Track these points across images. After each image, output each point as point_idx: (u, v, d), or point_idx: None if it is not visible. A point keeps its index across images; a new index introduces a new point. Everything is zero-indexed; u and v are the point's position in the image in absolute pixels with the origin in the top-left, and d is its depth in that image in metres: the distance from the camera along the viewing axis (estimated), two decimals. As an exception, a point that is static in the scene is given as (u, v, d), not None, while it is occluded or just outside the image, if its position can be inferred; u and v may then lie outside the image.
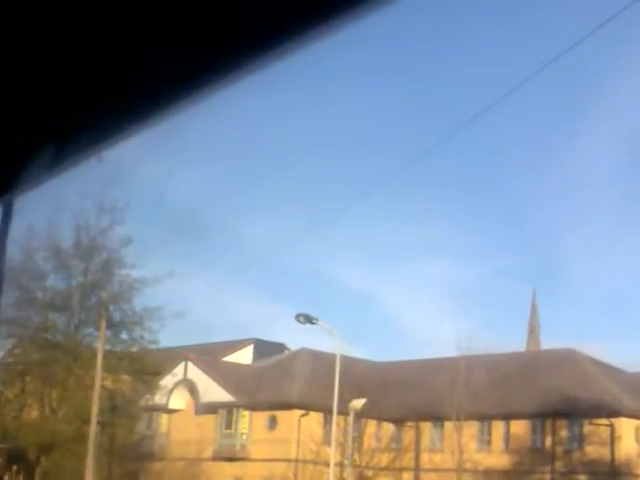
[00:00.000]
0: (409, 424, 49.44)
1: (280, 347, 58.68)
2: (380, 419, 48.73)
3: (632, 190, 75.98)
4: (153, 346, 42.68)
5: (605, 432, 43.86)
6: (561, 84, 68.22)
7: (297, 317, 34.48)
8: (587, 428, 44.61)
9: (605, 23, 11.43)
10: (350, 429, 41.15)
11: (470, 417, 45.67)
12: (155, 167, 49.55)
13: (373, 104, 72.51)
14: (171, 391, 50.47)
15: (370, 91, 71.53)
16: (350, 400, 39.45)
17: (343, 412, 39.43)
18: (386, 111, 73.21)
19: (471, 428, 46.78)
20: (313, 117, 69.88)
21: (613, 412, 43.44)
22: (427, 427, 49.23)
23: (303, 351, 52.90)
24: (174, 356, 50.55)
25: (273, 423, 48.50)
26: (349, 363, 41.50)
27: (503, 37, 69.64)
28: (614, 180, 76.30)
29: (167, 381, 48.55)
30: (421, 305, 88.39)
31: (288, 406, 47.31)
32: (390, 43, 65.58)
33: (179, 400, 51.88)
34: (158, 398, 47.54)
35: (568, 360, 48.89)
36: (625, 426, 43.96)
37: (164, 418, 52.02)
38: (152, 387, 45.07)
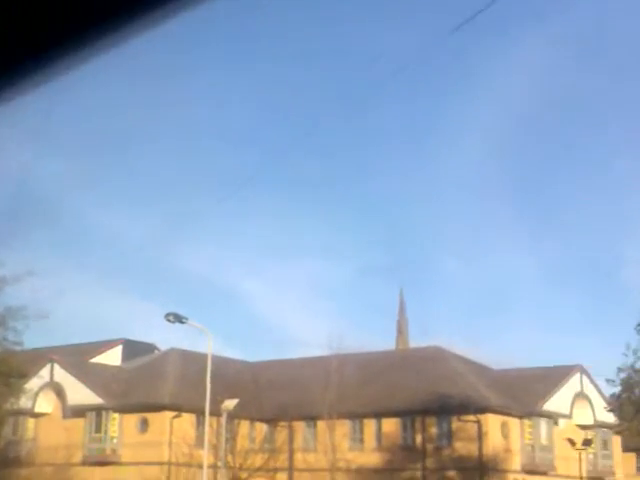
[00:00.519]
0: (282, 424, 49.40)
1: (150, 347, 57.72)
2: (253, 419, 48.51)
3: (497, 192, 78.19)
4: (17, 347, 41.29)
5: (473, 428, 44.88)
6: (424, 87, 69.51)
7: (166, 316, 33.90)
8: (456, 425, 45.54)
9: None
10: (223, 430, 40.77)
11: (342, 416, 45.99)
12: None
13: (242, 97, 72.30)
14: (37, 394, 48.91)
15: (233, 83, 71.24)
16: (222, 401, 39.08)
17: (216, 413, 39.01)
18: (258, 106, 73.03)
19: (343, 427, 47.11)
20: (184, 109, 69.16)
21: (480, 409, 44.49)
22: (300, 427, 49.30)
23: (173, 351, 52.16)
24: (40, 358, 49.05)
25: (144, 425, 47.57)
26: (221, 363, 41.14)
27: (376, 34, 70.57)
28: (479, 182, 78.37)
29: (33, 384, 47.03)
30: (294, 304, 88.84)
31: (159, 408, 46.53)
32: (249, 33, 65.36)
33: (46, 403, 50.33)
34: (24, 402, 46.05)
35: (436, 358, 49.86)
36: (492, 422, 45.09)
37: (30, 422, 50.35)
38: (17, 390, 43.62)
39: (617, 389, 28.51)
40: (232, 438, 45.67)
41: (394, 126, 77.56)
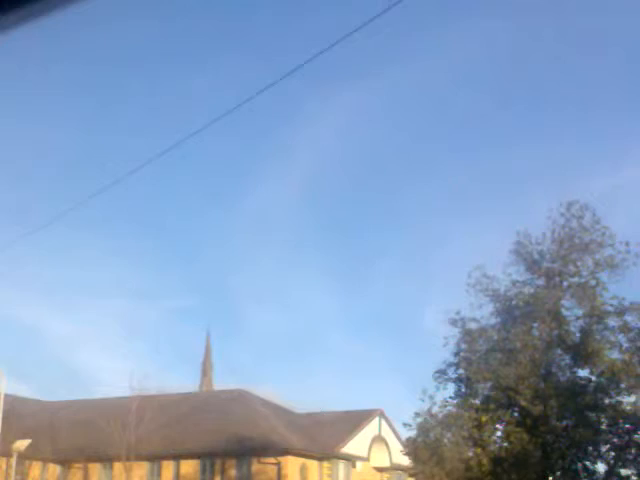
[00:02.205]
0: (77, 465, 47.68)
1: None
2: (46, 460, 46.57)
3: (310, 239, 79.51)
4: None
5: (273, 470, 44.92)
6: (245, 129, 70.07)
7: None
8: (255, 467, 45.43)
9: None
10: (12, 471, 38.94)
11: (140, 457, 44.95)
12: None
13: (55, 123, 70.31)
14: None
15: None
16: (14, 441, 37.39)
17: (6, 454, 37.27)
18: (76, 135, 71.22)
19: (141, 469, 46.02)
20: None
21: (280, 451, 44.64)
22: (96, 468, 47.73)
23: (-37, 389, 49.44)
24: None
25: None
26: (16, 402, 39.41)
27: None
28: (293, 226, 79.39)
29: None
30: (97, 344, 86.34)
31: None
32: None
33: None
34: None
35: (239, 400, 49.74)
36: (291, 464, 45.31)
37: None
38: None
39: (413, 433, 29.39)
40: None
41: (216, 168, 77.52)
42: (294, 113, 74.22)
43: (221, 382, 67.04)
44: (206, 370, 70.58)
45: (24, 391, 52.70)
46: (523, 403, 27.36)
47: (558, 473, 27.98)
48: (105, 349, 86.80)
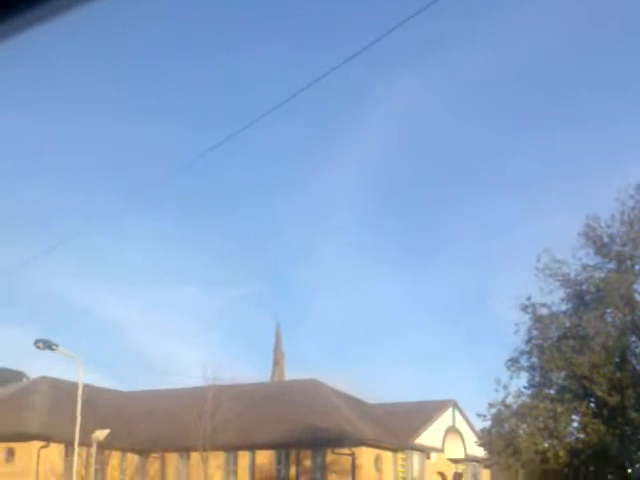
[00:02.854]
0: (154, 455, 48.51)
1: (18, 375, 55.95)
2: (125, 450, 47.49)
3: (375, 226, 79.32)
4: None
5: (347, 461, 45.02)
6: (303, 118, 70.31)
7: (36, 343, 32.99)
8: (330, 457, 45.61)
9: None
10: (92, 461, 39.80)
11: (216, 447, 45.50)
12: None
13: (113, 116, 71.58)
14: None
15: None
16: (93, 431, 38.20)
17: (86, 443, 38.10)
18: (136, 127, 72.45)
19: (217, 459, 46.59)
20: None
21: (354, 442, 44.70)
22: (173, 458, 48.49)
23: (43, 379, 50.67)
24: None
25: (10, 455, 45.93)
26: (94, 392, 40.23)
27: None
28: (356, 214, 79.32)
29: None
30: (170, 333, 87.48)
31: (26, 437, 45.02)
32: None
33: None
34: None
35: (312, 390, 49.95)
36: (365, 455, 45.36)
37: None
38: None
39: (487, 424, 29.12)
40: (102, 469, 44.63)
41: (277, 157, 77.86)
42: (353, 99, 73.96)
43: (292, 372, 67.43)
44: (277, 359, 70.93)
45: (101, 381, 53.88)
46: (599, 393, 26.93)
47: (637, 465, 27.49)
48: (178, 338, 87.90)
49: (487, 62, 65.24)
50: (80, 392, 34.54)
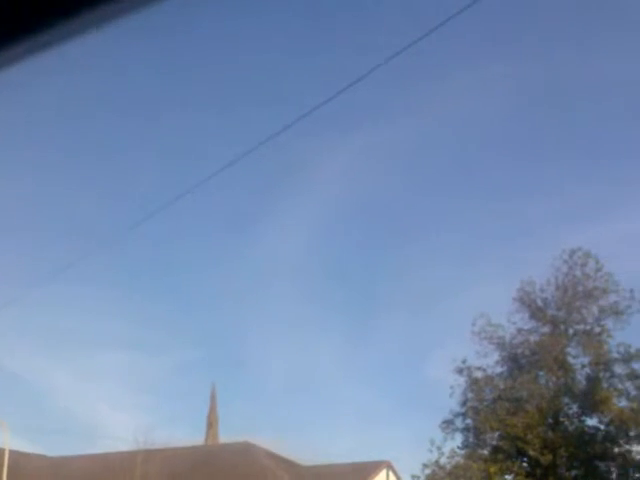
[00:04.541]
0: (81, 522, 47.18)
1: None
2: (50, 517, 46.12)
3: (314, 288, 79.26)
4: None
5: (279, 525, 44.39)
6: (245, 183, 70.39)
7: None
8: (262, 521, 44.92)
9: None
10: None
11: (145, 513, 44.45)
12: None
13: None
14: None
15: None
16: (19, 498, 37.09)
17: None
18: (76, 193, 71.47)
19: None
20: None
21: (286, 505, 44.14)
22: (101, 525, 47.20)
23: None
24: None
25: None
26: (20, 458, 39.12)
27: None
28: (297, 277, 79.25)
29: None
30: (101, 398, 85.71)
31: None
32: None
33: None
34: None
35: (245, 453, 49.29)
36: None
37: None
38: None
39: (422, 484, 29.24)
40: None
41: (218, 221, 77.63)
42: (300, 162, 74.45)
43: (227, 434, 66.57)
44: (212, 422, 69.92)
45: (29, 446, 52.40)
46: (532, 453, 27.18)
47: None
48: (110, 403, 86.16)
49: (427, 129, 66.28)
50: (6, 457, 33.62)
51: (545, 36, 38.12)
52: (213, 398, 73.53)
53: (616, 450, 26.82)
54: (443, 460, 28.05)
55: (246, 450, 49.79)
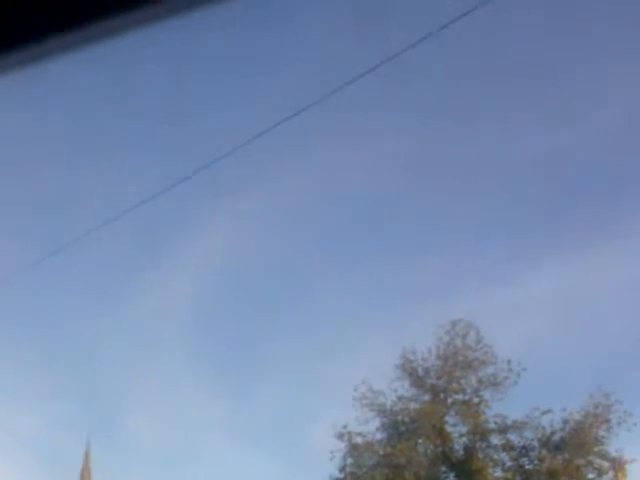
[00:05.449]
0: None
1: None
2: None
3: (197, 347, 78.19)
4: None
5: None
6: (131, 238, 69.43)
7: None
8: None
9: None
10: None
11: None
12: None
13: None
14: None
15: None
16: None
17: None
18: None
19: None
20: None
21: None
22: None
23: None
24: None
25: None
26: None
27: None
28: (181, 335, 78.17)
29: None
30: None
31: None
32: None
33: None
34: None
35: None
36: None
37: None
38: None
39: None
40: None
41: (102, 274, 76.18)
42: (182, 223, 73.97)
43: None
44: (84, 477, 68.03)
45: None
46: (408, 520, 27.34)
47: None
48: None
49: (309, 191, 66.86)
50: None
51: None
52: (87, 456, 71.54)
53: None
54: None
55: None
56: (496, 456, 27.69)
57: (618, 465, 27.25)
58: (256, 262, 70.19)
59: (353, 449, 28.10)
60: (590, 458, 27.07)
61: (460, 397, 28.05)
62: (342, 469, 28.37)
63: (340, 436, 28.14)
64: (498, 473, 27.49)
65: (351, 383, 28.39)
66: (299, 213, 66.36)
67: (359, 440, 28.17)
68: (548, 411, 27.15)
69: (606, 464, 27.12)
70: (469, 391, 28.02)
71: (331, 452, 28.15)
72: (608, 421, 26.76)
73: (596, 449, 26.95)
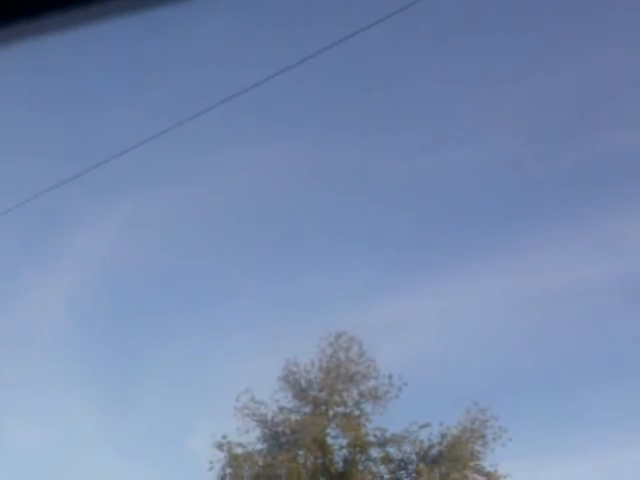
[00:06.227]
0: None
1: None
2: None
3: (74, 356, 76.40)
4: None
5: None
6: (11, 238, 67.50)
7: None
8: None
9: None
10: None
11: None
12: None
13: None
14: None
15: None
16: None
17: None
18: None
19: None
20: None
21: None
22: None
23: None
24: None
25: None
26: None
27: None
28: (57, 342, 76.16)
29: None
30: None
31: None
32: None
33: None
34: None
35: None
36: None
37: None
38: None
39: None
40: None
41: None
42: (61, 224, 72.20)
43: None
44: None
45: None
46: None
47: None
48: None
49: (201, 195, 66.18)
50: None
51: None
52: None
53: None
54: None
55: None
56: (375, 469, 27.93)
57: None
58: (141, 265, 69.07)
59: (232, 459, 27.92)
60: (466, 472, 27.49)
61: (341, 410, 28.18)
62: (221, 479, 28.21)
63: (219, 446, 27.94)
64: (376, 486, 27.73)
65: (233, 393, 28.25)
66: (190, 216, 65.59)
67: (239, 450, 28.02)
68: (426, 425, 27.59)
69: (481, 479, 27.67)
70: (350, 404, 28.19)
71: (210, 462, 27.92)
72: (484, 436, 27.30)
73: (472, 464, 27.42)
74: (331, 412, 28.21)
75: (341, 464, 28.01)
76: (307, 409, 28.16)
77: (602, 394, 41.30)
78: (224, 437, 27.94)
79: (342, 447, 28.16)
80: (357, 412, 28.09)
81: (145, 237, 65.79)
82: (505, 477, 27.55)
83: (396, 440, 27.67)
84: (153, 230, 65.50)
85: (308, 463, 27.99)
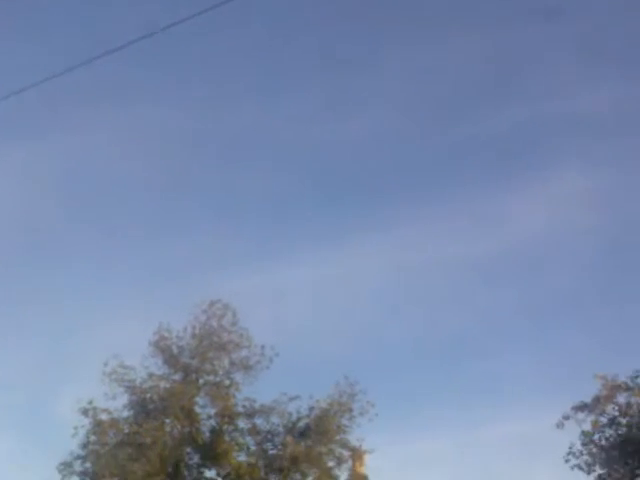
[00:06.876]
0: None
1: None
2: None
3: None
4: None
5: None
6: None
7: None
8: None
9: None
10: None
11: None
12: None
13: None
14: None
15: None
16: None
17: None
18: None
19: None
20: None
21: None
22: None
23: None
24: None
25: None
26: None
27: None
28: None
29: None
30: None
31: None
32: None
33: None
34: None
35: None
36: None
37: None
38: None
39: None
40: None
41: None
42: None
43: None
44: None
45: None
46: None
47: None
48: None
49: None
50: None
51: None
52: None
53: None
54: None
55: None
56: (242, 440, 27.77)
57: (357, 454, 28.04)
58: (31, 215, 66.40)
59: (97, 426, 27.31)
60: (332, 446, 27.57)
61: (212, 378, 27.94)
62: (84, 446, 27.52)
63: (85, 412, 27.29)
64: (242, 457, 27.57)
65: (102, 358, 27.61)
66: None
67: (104, 417, 27.43)
68: (296, 397, 27.62)
69: (346, 453, 27.82)
70: (221, 373, 27.98)
71: (74, 428, 27.26)
72: (351, 410, 27.43)
73: (338, 437, 27.53)
74: (201, 380, 27.93)
75: (208, 434, 27.76)
76: (177, 376, 27.81)
77: (469, 371, 42.39)
78: (90, 402, 27.32)
79: (210, 417, 27.94)
80: (227, 381, 27.90)
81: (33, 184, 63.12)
82: (370, 452, 27.88)
83: (264, 411, 27.58)
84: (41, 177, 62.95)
85: (175, 432, 27.64)
